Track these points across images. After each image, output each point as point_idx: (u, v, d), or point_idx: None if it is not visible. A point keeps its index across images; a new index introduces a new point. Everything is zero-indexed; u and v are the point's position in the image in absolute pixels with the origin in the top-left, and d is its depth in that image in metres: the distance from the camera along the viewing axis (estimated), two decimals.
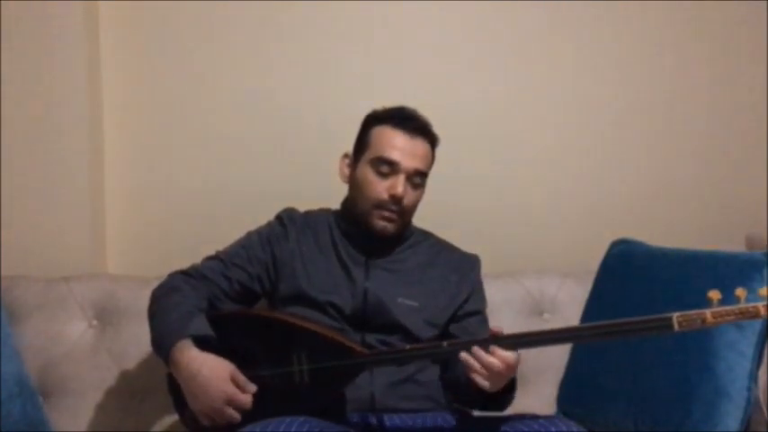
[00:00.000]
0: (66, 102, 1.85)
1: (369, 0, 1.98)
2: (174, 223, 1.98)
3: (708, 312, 1.13)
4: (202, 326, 1.38)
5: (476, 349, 1.24)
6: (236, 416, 1.31)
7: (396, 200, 1.48)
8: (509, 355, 1.24)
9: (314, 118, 1.98)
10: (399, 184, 1.47)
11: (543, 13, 2.01)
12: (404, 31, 2.00)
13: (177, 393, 1.44)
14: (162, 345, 1.37)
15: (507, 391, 1.34)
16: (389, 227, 1.50)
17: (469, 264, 1.62)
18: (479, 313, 1.58)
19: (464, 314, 1.56)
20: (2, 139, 1.83)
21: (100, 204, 1.95)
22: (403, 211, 1.50)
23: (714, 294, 1.14)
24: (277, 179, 1.97)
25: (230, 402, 1.31)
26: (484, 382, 1.24)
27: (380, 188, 1.49)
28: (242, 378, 1.33)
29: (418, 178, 1.50)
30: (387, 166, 1.48)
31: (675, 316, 1.14)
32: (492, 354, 1.24)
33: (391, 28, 2.00)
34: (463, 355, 1.25)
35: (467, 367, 1.25)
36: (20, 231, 1.85)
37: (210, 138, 1.99)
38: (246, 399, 1.31)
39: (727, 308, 1.12)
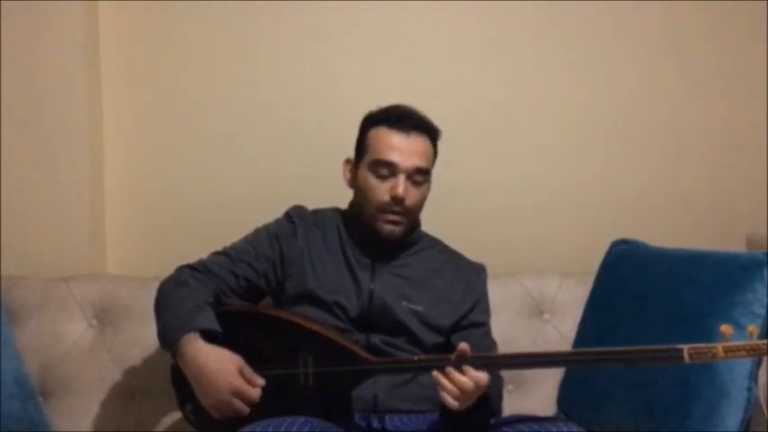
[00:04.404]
0: (66, 102, 1.85)
1: (371, 0, 1.97)
2: (174, 223, 1.98)
3: (719, 346, 1.15)
4: (210, 320, 1.38)
5: (449, 369, 1.26)
6: (245, 408, 1.30)
7: (397, 200, 1.47)
8: (481, 375, 1.26)
9: (315, 120, 1.98)
10: (400, 185, 1.47)
11: (546, 16, 2.00)
12: (407, 33, 2.00)
13: (180, 386, 1.44)
14: (169, 337, 1.37)
15: (476, 410, 1.32)
16: (396, 230, 1.50)
17: (475, 273, 1.61)
18: (483, 325, 1.58)
19: (468, 324, 1.55)
20: (2, 140, 1.83)
21: (100, 204, 1.95)
22: (407, 212, 1.50)
23: (726, 329, 1.16)
24: (277, 180, 1.96)
25: (238, 395, 1.30)
26: (453, 402, 1.26)
27: (382, 191, 1.48)
28: (249, 371, 1.33)
29: (419, 176, 1.50)
30: (386, 169, 1.48)
31: (686, 348, 1.16)
32: (465, 373, 1.25)
33: (395, 29, 1.99)
34: (435, 373, 1.27)
35: (438, 386, 1.27)
36: (20, 231, 1.85)
37: (210, 138, 1.98)
38: (254, 391, 1.31)
39: (739, 343, 1.15)
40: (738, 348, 1.15)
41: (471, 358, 1.28)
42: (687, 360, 1.15)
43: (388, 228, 1.50)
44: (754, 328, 1.16)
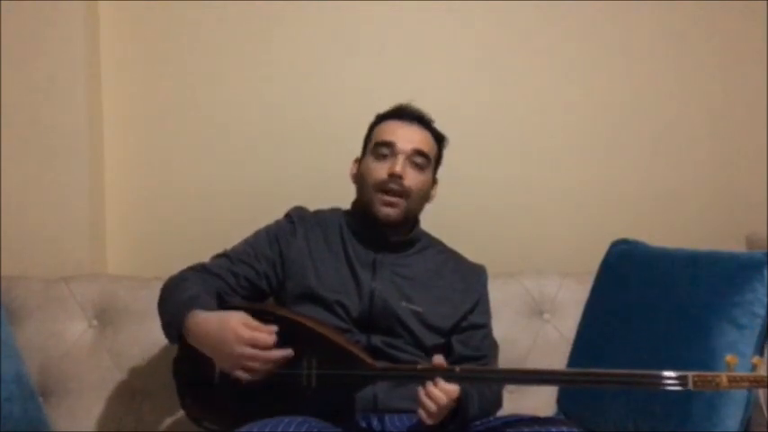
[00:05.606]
0: (66, 102, 1.85)
1: (374, 0, 1.97)
2: (174, 223, 1.98)
3: (724, 376, 1.16)
4: (212, 304, 1.38)
5: (428, 384, 1.27)
6: (261, 354, 1.28)
7: (395, 177, 1.48)
8: (452, 388, 1.27)
9: (316, 120, 1.98)
10: (398, 163, 1.49)
11: (546, 16, 2.01)
12: (408, 33, 2.00)
13: (180, 379, 1.45)
14: (173, 322, 1.37)
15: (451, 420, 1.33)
16: (392, 212, 1.50)
17: (476, 274, 1.62)
18: (484, 327, 1.58)
19: (468, 326, 1.55)
20: (2, 139, 1.83)
21: (100, 204, 1.95)
22: (406, 194, 1.50)
23: (732, 359, 1.17)
24: (278, 180, 1.97)
25: (252, 345, 1.28)
26: (426, 418, 1.28)
27: (380, 170, 1.50)
28: (255, 322, 1.31)
29: (419, 158, 1.51)
30: (385, 149, 1.51)
31: (691, 375, 1.17)
32: (437, 386, 1.27)
33: (396, 29, 2.00)
34: (420, 388, 1.28)
35: (419, 399, 1.28)
36: (20, 231, 1.85)
37: (211, 138, 1.99)
38: (267, 337, 1.29)
39: (743, 374, 1.16)
40: (742, 379, 1.16)
41: (478, 370, 1.30)
42: (691, 387, 1.17)
43: (385, 210, 1.50)
44: (758, 360, 1.19)
